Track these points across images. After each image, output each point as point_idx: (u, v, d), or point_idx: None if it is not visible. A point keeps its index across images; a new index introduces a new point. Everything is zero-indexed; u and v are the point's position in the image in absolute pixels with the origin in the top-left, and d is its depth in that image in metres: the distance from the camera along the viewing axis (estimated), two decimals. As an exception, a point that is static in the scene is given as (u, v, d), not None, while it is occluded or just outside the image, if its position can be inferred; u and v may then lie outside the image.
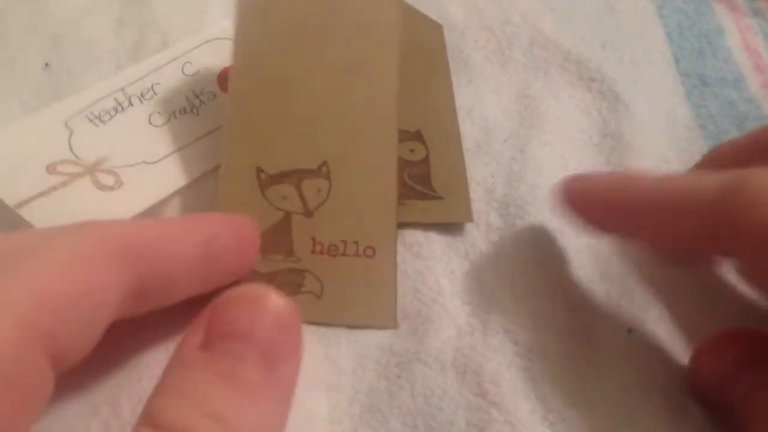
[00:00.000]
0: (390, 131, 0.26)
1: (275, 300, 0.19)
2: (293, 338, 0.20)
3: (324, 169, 0.26)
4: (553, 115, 0.30)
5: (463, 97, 0.31)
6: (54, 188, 0.26)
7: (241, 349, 0.18)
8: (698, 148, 0.29)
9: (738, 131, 0.30)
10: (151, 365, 0.23)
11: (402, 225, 0.26)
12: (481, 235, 0.26)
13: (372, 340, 0.24)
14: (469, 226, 0.27)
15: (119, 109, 0.28)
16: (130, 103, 0.29)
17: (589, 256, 0.26)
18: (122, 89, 0.29)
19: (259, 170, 0.25)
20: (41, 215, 0.25)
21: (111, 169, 0.27)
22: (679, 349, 0.24)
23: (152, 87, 0.29)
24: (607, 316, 0.24)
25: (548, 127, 0.30)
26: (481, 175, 0.28)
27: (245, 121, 0.26)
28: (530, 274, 0.25)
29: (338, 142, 0.26)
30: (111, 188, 0.26)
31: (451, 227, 0.27)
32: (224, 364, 0.18)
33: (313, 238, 0.25)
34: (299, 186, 0.25)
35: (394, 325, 0.24)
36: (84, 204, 0.26)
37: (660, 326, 0.24)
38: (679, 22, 0.34)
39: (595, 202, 0.24)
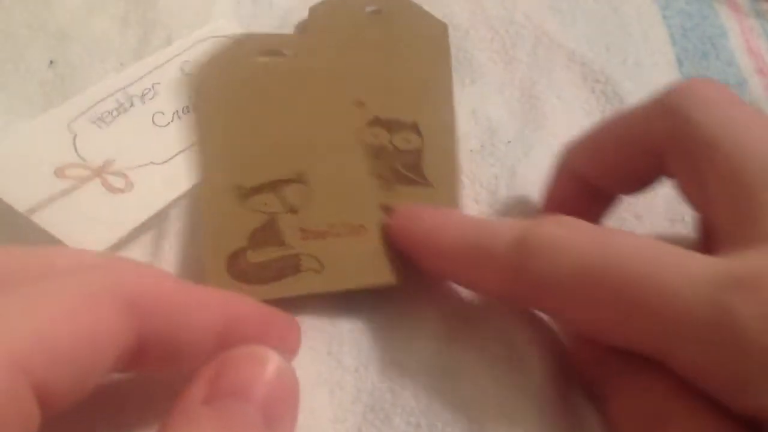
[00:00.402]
0: (352, 131, 0.28)
1: (277, 362, 0.19)
2: (291, 400, 0.20)
3: (300, 177, 0.26)
4: (557, 116, 0.30)
5: (467, 97, 0.31)
6: (65, 192, 0.25)
7: (243, 407, 0.18)
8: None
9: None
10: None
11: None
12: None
13: (376, 338, 0.24)
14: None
15: (121, 110, 0.28)
16: (132, 104, 0.29)
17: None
18: (123, 90, 0.29)
19: (238, 187, 0.26)
20: (54, 220, 0.25)
21: (120, 171, 0.27)
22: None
23: (152, 87, 0.29)
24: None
25: (552, 128, 0.30)
26: (485, 176, 0.28)
27: (216, 145, 0.27)
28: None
29: (309, 153, 0.27)
30: (122, 190, 0.26)
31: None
32: (228, 420, 0.18)
33: (302, 229, 0.26)
34: (279, 193, 0.26)
35: (396, 281, 0.25)
36: (96, 207, 0.25)
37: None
38: (683, 23, 0.34)
39: (414, 242, 0.24)
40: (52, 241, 0.24)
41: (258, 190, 0.26)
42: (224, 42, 0.30)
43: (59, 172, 0.26)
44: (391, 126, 0.28)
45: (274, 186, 0.26)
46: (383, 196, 0.27)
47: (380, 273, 0.25)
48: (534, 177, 0.28)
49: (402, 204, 0.26)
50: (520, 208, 0.27)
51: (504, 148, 0.29)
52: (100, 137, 0.27)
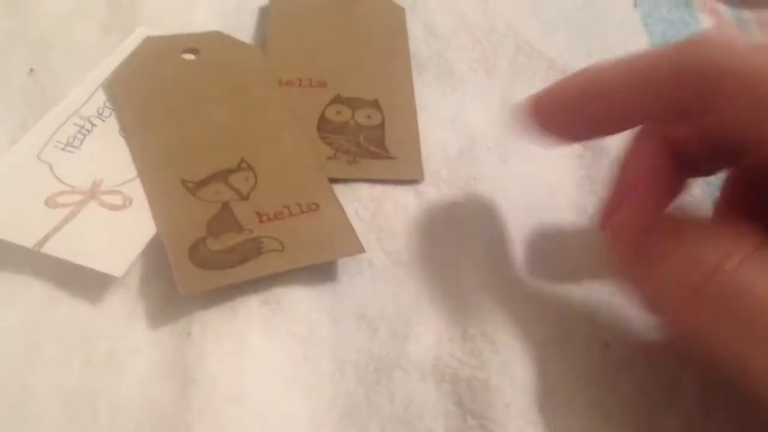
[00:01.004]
0: (283, 113, 0.29)
1: None
2: None
3: (244, 164, 0.27)
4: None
5: (448, 105, 0.31)
6: (66, 220, 0.25)
7: None
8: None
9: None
10: (130, 370, 0.23)
11: (382, 231, 0.27)
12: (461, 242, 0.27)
13: (352, 344, 0.24)
14: (451, 234, 0.27)
15: (84, 132, 0.28)
16: (93, 124, 0.28)
17: (569, 264, 0.26)
18: (76, 113, 0.29)
19: (185, 181, 0.27)
20: (65, 248, 0.24)
21: (113, 189, 0.27)
22: (653, 369, 0.24)
23: (105, 104, 0.29)
24: (584, 328, 0.25)
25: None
26: (463, 179, 0.28)
27: (150, 142, 0.28)
28: (509, 281, 0.25)
29: (247, 139, 0.28)
30: (122, 207, 0.26)
31: (436, 230, 0.27)
32: None
33: (257, 213, 0.26)
34: (227, 182, 0.27)
35: (361, 249, 0.25)
36: (103, 227, 0.25)
37: (636, 342, 0.24)
38: (664, 31, 0.34)
39: (566, 105, 0.23)
40: (71, 267, 0.24)
41: (205, 182, 0.27)
42: (147, 42, 0.31)
43: (51, 202, 0.26)
44: (352, 103, 0.30)
45: (220, 176, 0.27)
46: (348, 171, 0.28)
47: (344, 245, 0.25)
48: (513, 183, 0.28)
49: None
50: (497, 211, 0.27)
51: (483, 155, 0.29)
52: (76, 161, 0.27)
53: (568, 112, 0.23)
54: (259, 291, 0.25)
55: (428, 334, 0.24)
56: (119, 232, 0.25)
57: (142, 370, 0.23)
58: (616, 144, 0.29)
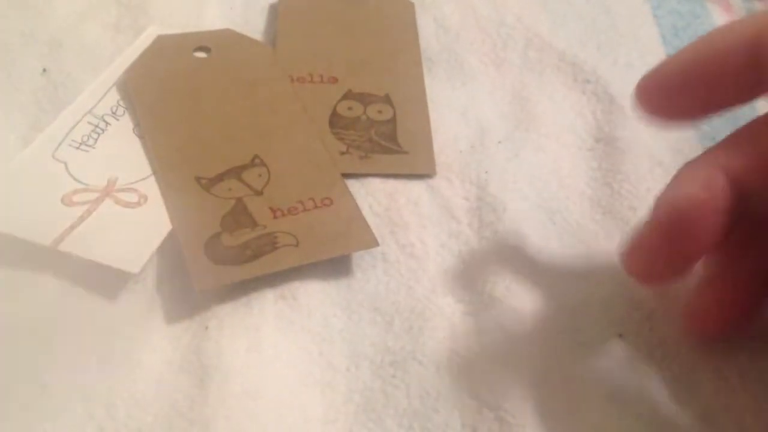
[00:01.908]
0: (295, 109, 0.29)
1: None
2: None
3: (257, 160, 0.28)
4: (548, 117, 0.30)
5: (458, 99, 0.31)
6: (81, 218, 0.26)
7: None
8: (693, 149, 0.29)
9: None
10: (146, 365, 0.23)
11: (395, 226, 0.27)
12: (474, 234, 0.27)
13: (367, 338, 0.24)
14: (462, 225, 0.27)
15: (99, 130, 0.28)
16: (107, 123, 0.29)
17: (582, 256, 0.26)
18: (90, 112, 0.29)
19: (198, 178, 0.27)
20: (82, 245, 0.25)
21: (128, 187, 0.27)
22: (669, 360, 0.24)
23: (118, 102, 0.29)
24: (598, 319, 0.24)
25: (543, 129, 0.30)
26: (475, 172, 0.28)
27: (164, 141, 0.28)
28: (522, 272, 0.25)
29: (259, 136, 0.28)
30: (138, 204, 0.26)
31: (443, 226, 0.27)
32: None
33: (271, 208, 0.26)
34: (240, 178, 0.27)
35: (375, 243, 0.26)
36: (119, 224, 0.26)
37: (650, 333, 0.24)
38: (674, 23, 0.34)
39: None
40: (87, 264, 0.24)
41: (219, 178, 0.27)
42: (159, 40, 0.31)
43: (67, 200, 0.26)
44: (363, 98, 0.30)
45: (233, 172, 0.27)
46: (360, 166, 0.28)
47: (357, 239, 0.26)
48: (525, 176, 0.28)
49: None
50: (509, 204, 0.27)
51: (494, 149, 0.29)
52: (91, 160, 0.28)
53: (675, 91, 0.22)
54: (274, 286, 0.25)
55: (443, 327, 0.24)
56: (135, 229, 0.26)
57: (159, 366, 0.23)
58: (628, 137, 0.29)
